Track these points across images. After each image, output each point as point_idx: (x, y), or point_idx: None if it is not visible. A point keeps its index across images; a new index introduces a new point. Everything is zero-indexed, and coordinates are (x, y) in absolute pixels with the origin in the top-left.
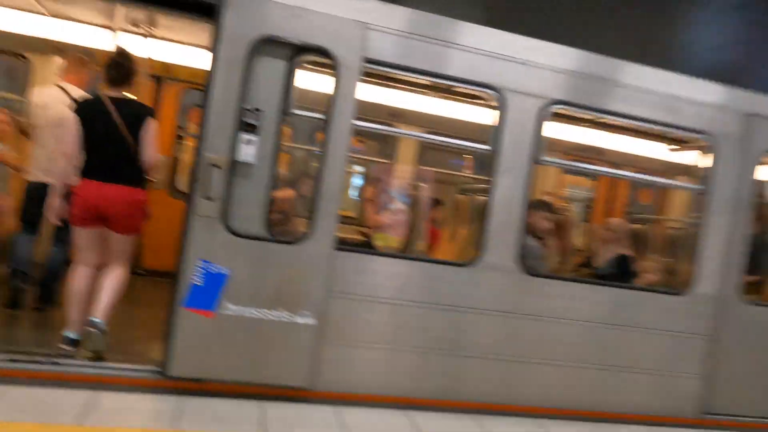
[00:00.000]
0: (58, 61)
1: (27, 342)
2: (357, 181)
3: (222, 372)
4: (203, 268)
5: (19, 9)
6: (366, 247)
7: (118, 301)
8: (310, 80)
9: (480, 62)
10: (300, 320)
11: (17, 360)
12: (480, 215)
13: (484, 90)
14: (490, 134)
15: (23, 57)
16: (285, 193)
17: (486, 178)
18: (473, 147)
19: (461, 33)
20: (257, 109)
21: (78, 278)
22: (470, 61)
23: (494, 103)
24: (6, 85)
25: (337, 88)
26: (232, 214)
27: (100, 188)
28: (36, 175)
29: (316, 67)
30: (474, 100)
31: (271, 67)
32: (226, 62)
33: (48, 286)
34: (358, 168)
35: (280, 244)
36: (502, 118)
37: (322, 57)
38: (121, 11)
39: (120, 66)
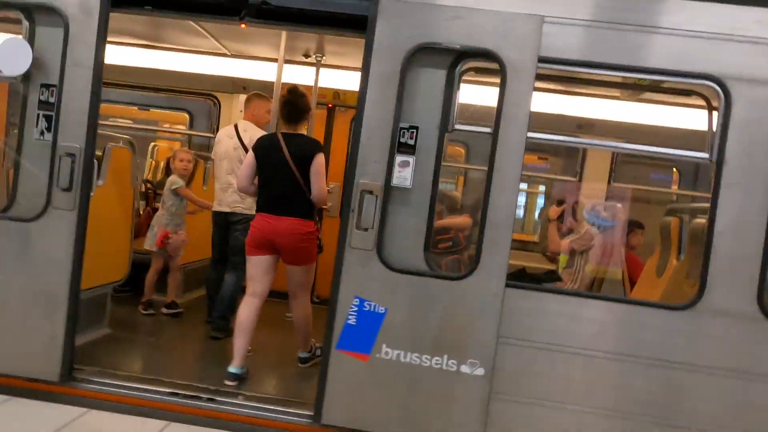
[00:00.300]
0: (241, 99)
1: (193, 374)
2: (538, 202)
3: (377, 423)
4: (358, 306)
5: (207, 53)
6: (550, 278)
7: (311, 330)
8: (474, 90)
9: (693, 47)
10: (466, 369)
11: (178, 394)
12: (698, 242)
13: (701, 82)
14: (710, 138)
15: (214, 97)
16: (457, 220)
17: (705, 195)
18: (685, 156)
19: (665, 11)
20: (414, 128)
21: (246, 309)
22: (679, 46)
23: (714, 99)
24: (204, 125)
25: (506, 95)
26: (388, 246)
27: (272, 221)
28: (216, 205)
29: (481, 76)
30: (684, 98)
31: (429, 79)
32: (379, 78)
33: (224, 314)
34: (539, 187)
35: (441, 280)
36: (726, 116)
37: (487, 62)
38: (292, 43)
39: (292, 104)
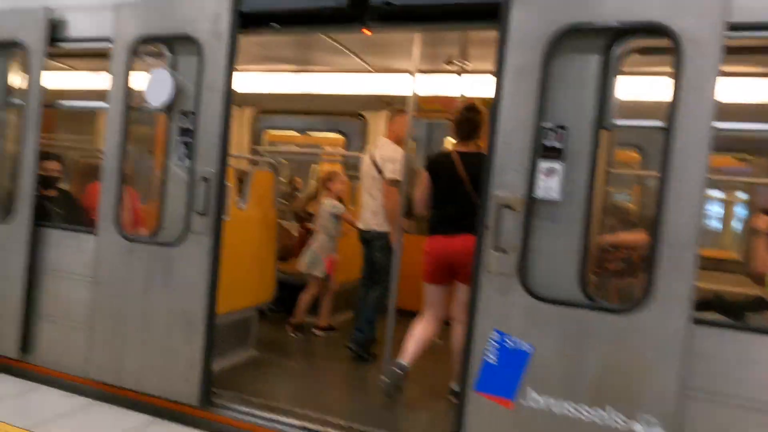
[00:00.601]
0: (386, 116)
1: (329, 404)
2: (738, 211)
3: None
4: (498, 342)
5: (352, 71)
6: (757, 306)
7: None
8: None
9: None
10: (640, 429)
11: (307, 429)
12: None
13: None
14: None
15: (361, 116)
16: (630, 236)
17: None
18: None
19: None
20: (561, 127)
21: (421, 331)
22: None
23: None
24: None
25: (683, 78)
26: (532, 270)
27: (447, 242)
28: (362, 223)
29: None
30: None
31: (578, 68)
32: (517, 72)
33: (361, 328)
34: (738, 194)
35: (602, 313)
36: None
37: (655, 38)
38: (431, 51)
39: (469, 121)
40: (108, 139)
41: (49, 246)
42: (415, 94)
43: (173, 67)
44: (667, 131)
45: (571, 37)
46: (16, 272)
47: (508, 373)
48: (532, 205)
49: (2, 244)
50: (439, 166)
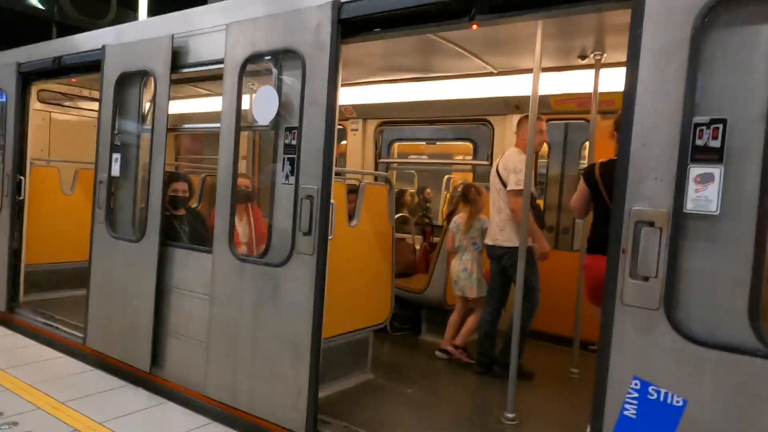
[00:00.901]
0: (513, 120)
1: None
2: None
3: None
4: (638, 392)
5: (474, 75)
6: None
7: None
8: None
9: None
10: None
11: None
12: None
13: None
14: None
15: (487, 122)
16: None
17: None
18: None
19: None
20: (717, 121)
21: None
22: None
23: None
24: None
25: None
26: (683, 304)
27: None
28: (489, 238)
29: None
30: None
31: (741, 44)
32: (657, 55)
33: (488, 353)
34: None
35: None
36: None
37: None
38: (562, 45)
39: None
40: (221, 158)
41: (174, 264)
42: (537, 94)
43: (279, 83)
44: None
45: (729, 6)
46: (148, 289)
47: (653, 431)
48: (681, 221)
49: (135, 263)
50: (603, 176)
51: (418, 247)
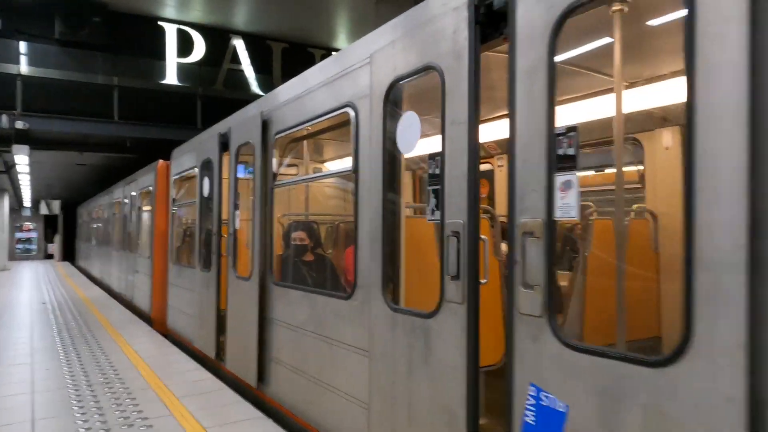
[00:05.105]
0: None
1: None
2: None
3: None
4: (534, 398)
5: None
6: None
7: None
8: None
9: None
10: None
11: None
12: None
13: None
14: None
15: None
16: None
17: None
18: None
19: None
20: (571, 129)
21: None
22: None
23: None
24: None
25: None
26: (566, 311)
27: None
28: None
29: None
30: None
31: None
32: (526, 74)
33: None
34: None
35: (636, 366)
36: None
37: None
38: None
39: None
40: (370, 200)
41: (283, 300)
42: None
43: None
44: None
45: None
46: (252, 320)
47: None
48: (553, 229)
49: (245, 298)
50: None
51: None
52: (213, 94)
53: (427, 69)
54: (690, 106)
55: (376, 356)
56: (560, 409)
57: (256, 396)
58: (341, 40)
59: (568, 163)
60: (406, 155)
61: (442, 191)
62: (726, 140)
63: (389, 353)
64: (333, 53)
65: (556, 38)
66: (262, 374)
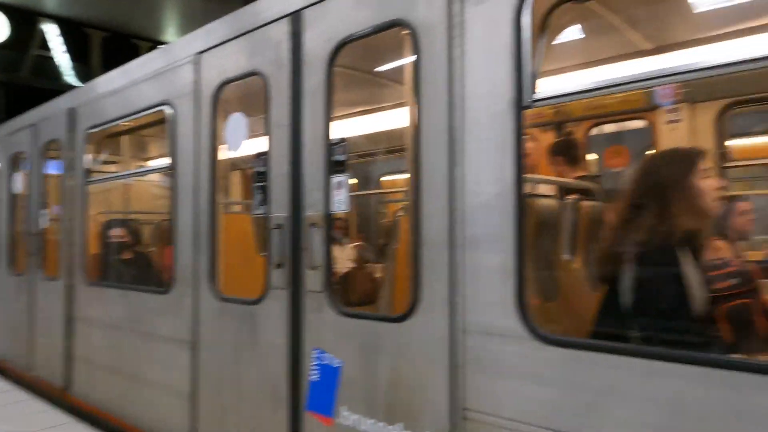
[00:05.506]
0: None
1: None
2: None
3: None
4: (318, 359)
5: None
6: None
7: None
8: None
9: None
10: None
11: None
12: None
13: None
14: None
15: None
16: None
17: None
18: None
19: None
20: (342, 140)
21: None
22: None
23: None
24: None
25: None
26: (339, 285)
27: None
28: None
29: None
30: None
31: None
32: (310, 93)
33: None
34: None
35: (384, 323)
36: None
37: None
38: None
39: None
40: (180, 197)
41: (96, 300)
42: None
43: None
44: None
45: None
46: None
47: (327, 390)
48: (331, 221)
49: (53, 299)
50: None
51: None
52: (19, 81)
53: (253, 74)
54: (416, 130)
55: (203, 346)
56: (336, 365)
57: (65, 401)
58: (170, 34)
59: (340, 168)
60: (234, 154)
61: (268, 188)
62: (438, 154)
63: (217, 341)
64: (160, 47)
65: (332, 65)
66: (70, 377)
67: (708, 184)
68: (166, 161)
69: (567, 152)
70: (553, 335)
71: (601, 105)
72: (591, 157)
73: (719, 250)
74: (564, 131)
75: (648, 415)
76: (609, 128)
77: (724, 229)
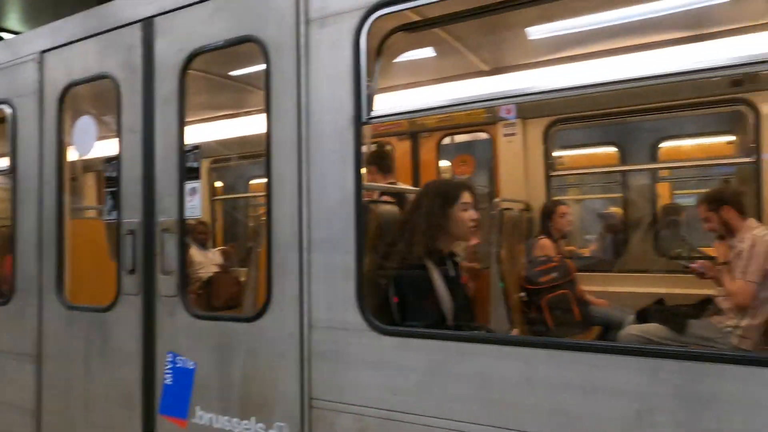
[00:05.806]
0: None
1: None
2: None
3: None
4: (172, 362)
5: None
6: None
7: None
8: None
9: None
10: None
11: None
12: None
13: None
14: None
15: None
16: None
17: None
18: None
19: None
20: (195, 147)
21: None
22: None
23: None
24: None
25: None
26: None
27: None
28: None
29: None
30: None
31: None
32: (163, 101)
33: None
34: None
35: (238, 323)
36: None
37: None
38: None
39: None
40: (21, 202)
41: None
42: None
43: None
44: None
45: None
46: None
47: (181, 392)
48: (185, 226)
49: None
50: None
51: None
52: None
53: (103, 77)
54: (269, 139)
55: (49, 358)
56: (190, 367)
57: None
58: (12, 21)
59: (193, 174)
60: (83, 157)
61: (119, 193)
62: (288, 162)
63: (64, 352)
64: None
65: (185, 74)
66: None
67: (465, 215)
68: (4, 163)
69: (379, 162)
70: (387, 326)
71: (448, 118)
72: (444, 164)
73: (544, 248)
74: (378, 143)
75: (462, 388)
76: (459, 138)
77: (548, 229)
